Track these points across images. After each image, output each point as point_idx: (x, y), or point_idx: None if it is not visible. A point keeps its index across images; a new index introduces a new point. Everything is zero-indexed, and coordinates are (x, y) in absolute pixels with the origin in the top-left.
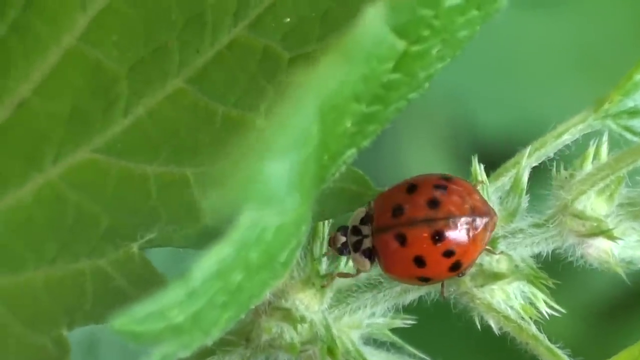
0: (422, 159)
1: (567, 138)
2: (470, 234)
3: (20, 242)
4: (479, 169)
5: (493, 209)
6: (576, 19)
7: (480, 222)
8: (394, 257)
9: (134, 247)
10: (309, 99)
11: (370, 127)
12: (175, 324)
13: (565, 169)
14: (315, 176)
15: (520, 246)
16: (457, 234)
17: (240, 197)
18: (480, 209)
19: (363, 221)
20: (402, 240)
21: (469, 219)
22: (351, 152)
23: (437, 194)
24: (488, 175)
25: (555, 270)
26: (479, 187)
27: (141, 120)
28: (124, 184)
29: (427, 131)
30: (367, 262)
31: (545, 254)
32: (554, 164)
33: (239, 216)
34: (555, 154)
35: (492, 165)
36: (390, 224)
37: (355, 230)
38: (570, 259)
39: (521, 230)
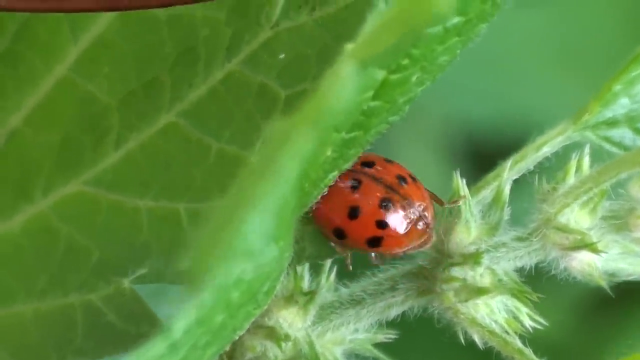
0: (416, 158)
1: (547, 150)
2: (409, 226)
3: (9, 274)
4: (461, 184)
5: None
6: (565, 16)
7: (422, 225)
8: (335, 192)
9: (125, 283)
10: (286, 157)
11: (352, 151)
12: None
13: (547, 182)
14: (295, 206)
15: (504, 260)
16: (401, 215)
17: (218, 261)
18: (429, 220)
19: None
20: (356, 185)
21: (418, 215)
22: (333, 175)
23: (408, 176)
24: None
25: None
26: (460, 202)
27: (132, 154)
28: (114, 217)
29: (420, 130)
30: None
31: (528, 267)
32: (536, 176)
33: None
34: (535, 166)
35: (485, 162)
36: (354, 167)
37: None
38: (553, 271)
39: (504, 244)
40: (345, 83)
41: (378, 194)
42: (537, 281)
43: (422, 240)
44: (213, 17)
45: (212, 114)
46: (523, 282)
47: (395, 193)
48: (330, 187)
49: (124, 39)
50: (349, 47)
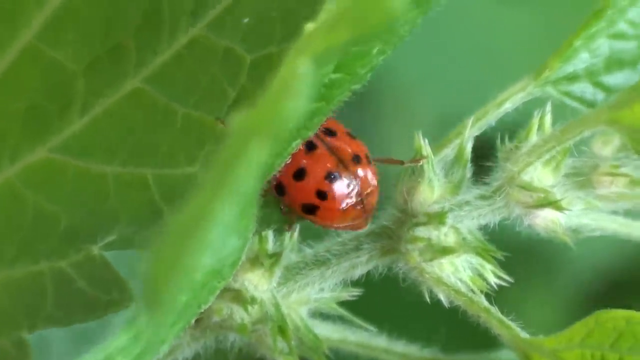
0: (409, 156)
1: (508, 107)
2: (347, 206)
3: None
4: (423, 143)
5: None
6: (558, 14)
7: (360, 209)
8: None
9: (95, 249)
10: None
11: (315, 120)
12: None
13: (510, 139)
14: (257, 189)
15: (467, 218)
16: (344, 193)
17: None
18: (370, 206)
19: None
20: (311, 148)
21: (360, 198)
22: (296, 143)
23: (364, 156)
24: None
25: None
26: (422, 162)
27: (98, 120)
28: (82, 184)
29: (414, 128)
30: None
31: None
32: (498, 135)
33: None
34: (497, 123)
35: (480, 157)
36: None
37: None
38: (518, 229)
39: (467, 203)
40: (301, 86)
41: (328, 165)
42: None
43: (357, 222)
44: None
45: (178, 80)
46: (487, 240)
47: (345, 170)
48: None
49: (88, 5)
50: (310, 26)
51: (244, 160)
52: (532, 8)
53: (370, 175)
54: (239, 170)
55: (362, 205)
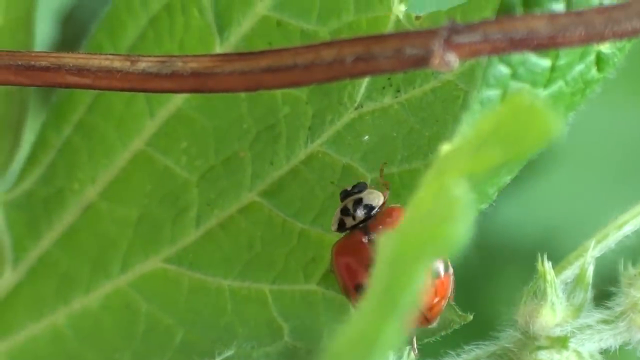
0: None
1: (628, 229)
2: None
3: (90, 350)
4: (547, 267)
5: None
6: None
7: (423, 319)
8: (360, 246)
9: None
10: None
11: None
12: None
13: (633, 265)
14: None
15: (589, 342)
16: None
17: None
18: (431, 318)
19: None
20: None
21: (423, 310)
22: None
23: (436, 269)
24: None
25: None
26: (548, 286)
27: (214, 232)
28: (197, 296)
29: None
30: (335, 225)
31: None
32: (622, 260)
33: None
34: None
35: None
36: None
37: (366, 208)
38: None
39: (589, 326)
40: (462, 209)
41: None
42: None
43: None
44: (294, 95)
45: (295, 195)
46: None
47: None
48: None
49: (202, 114)
50: (446, 148)
51: (411, 283)
52: None
53: (439, 290)
54: (406, 293)
55: (424, 318)
